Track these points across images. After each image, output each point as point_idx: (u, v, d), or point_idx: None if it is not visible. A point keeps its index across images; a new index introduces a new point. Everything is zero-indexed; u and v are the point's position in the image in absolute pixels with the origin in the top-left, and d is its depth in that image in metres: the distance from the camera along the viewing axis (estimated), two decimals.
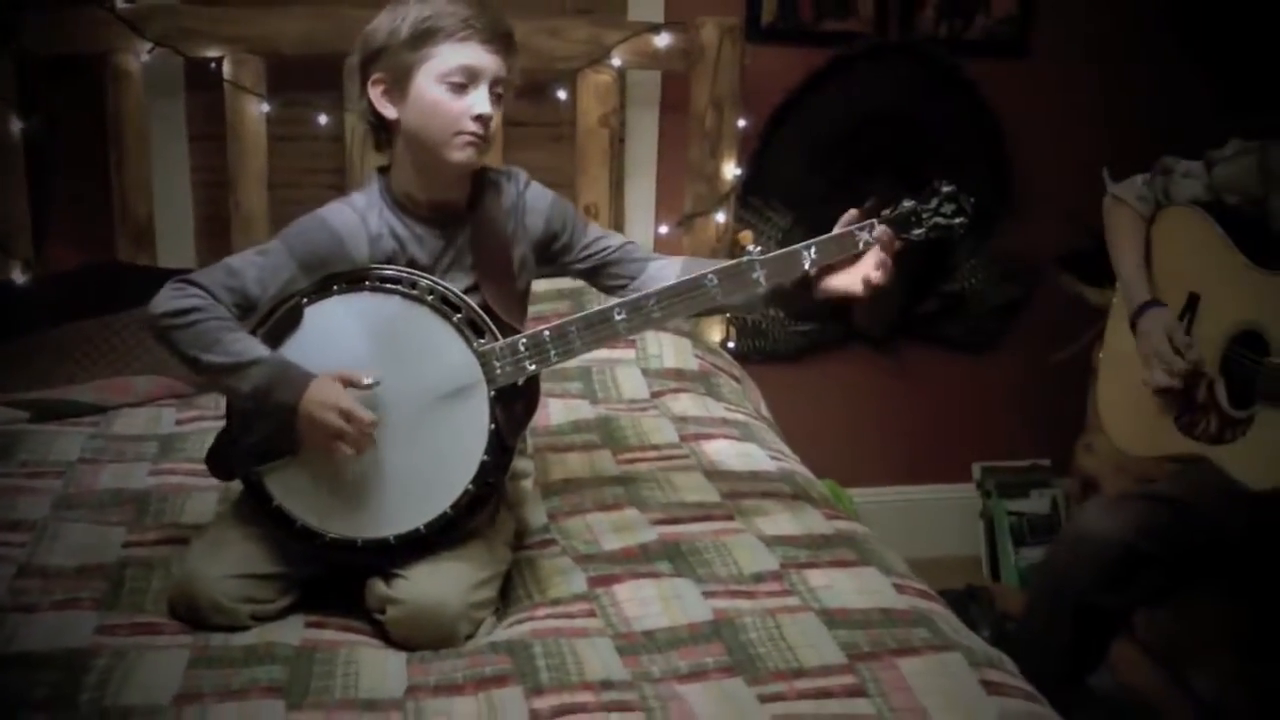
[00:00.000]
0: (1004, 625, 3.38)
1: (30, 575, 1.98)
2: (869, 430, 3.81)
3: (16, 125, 2.92)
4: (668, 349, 2.97)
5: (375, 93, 1.98)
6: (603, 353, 2.78)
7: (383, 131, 2.02)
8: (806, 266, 2.03)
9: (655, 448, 2.52)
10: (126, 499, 2.26)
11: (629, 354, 2.94)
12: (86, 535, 2.12)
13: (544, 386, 2.69)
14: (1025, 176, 3.67)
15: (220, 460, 2.00)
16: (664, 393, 2.81)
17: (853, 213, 2.07)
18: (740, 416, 2.74)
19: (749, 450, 2.52)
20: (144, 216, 3.06)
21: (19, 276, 2.97)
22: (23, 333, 2.85)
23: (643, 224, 3.41)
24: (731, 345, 3.39)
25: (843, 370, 3.73)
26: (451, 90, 1.93)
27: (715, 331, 3.35)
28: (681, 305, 2.01)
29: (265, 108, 3.04)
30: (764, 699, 1.69)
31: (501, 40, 1.95)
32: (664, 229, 3.38)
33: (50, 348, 2.81)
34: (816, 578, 2.00)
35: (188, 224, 3.19)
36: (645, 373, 2.89)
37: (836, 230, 2.06)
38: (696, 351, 3.01)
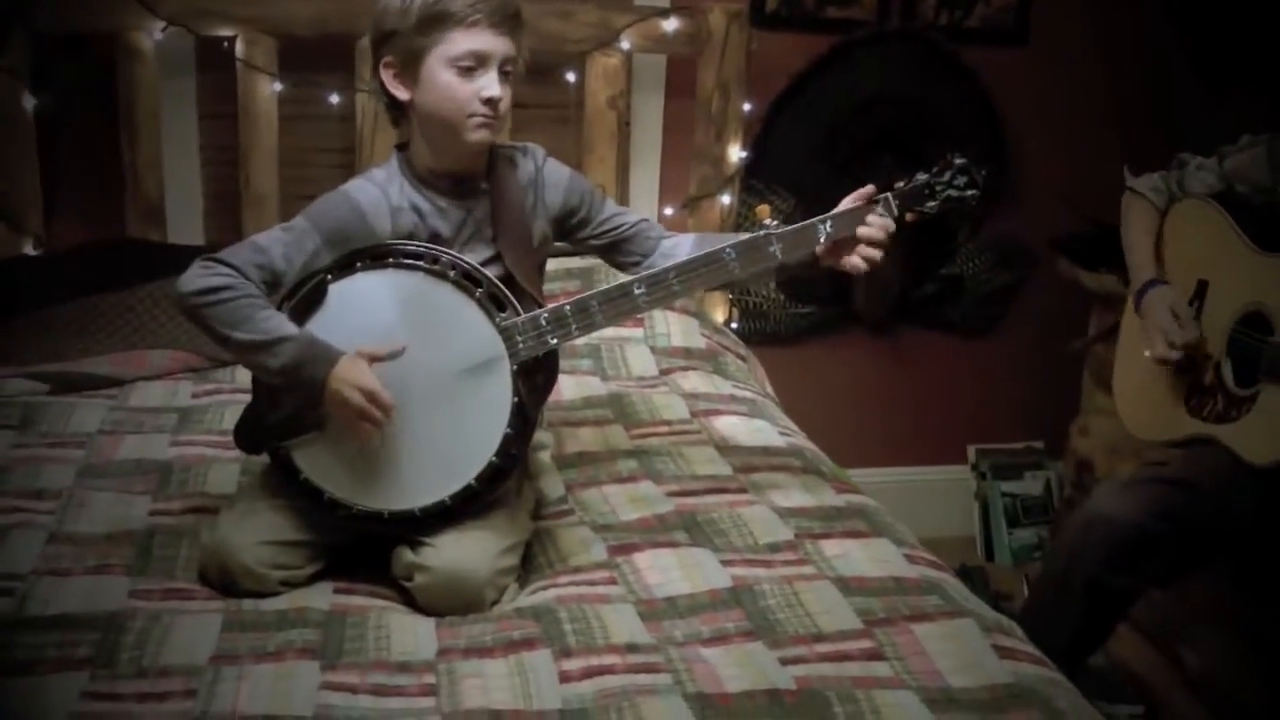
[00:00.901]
0: (998, 604, 3.43)
1: (61, 542, 2.01)
2: (866, 412, 3.86)
3: (29, 101, 2.93)
4: (675, 328, 3.02)
5: (387, 76, 2.02)
6: (611, 331, 2.85)
7: (397, 109, 2.07)
8: (822, 240, 2.08)
9: (667, 423, 2.57)
10: (149, 469, 2.30)
11: (637, 332, 2.98)
12: (113, 504, 2.15)
13: None
14: (1023, 162, 3.73)
15: (247, 435, 2.04)
16: (673, 370, 2.86)
17: (870, 188, 2.11)
18: (748, 394, 2.79)
19: (759, 426, 2.57)
20: (154, 193, 3.07)
21: (30, 251, 2.99)
22: (35, 308, 2.86)
23: (648, 206, 3.45)
24: (735, 326, 3.44)
25: (841, 352, 3.78)
26: (461, 74, 1.97)
27: (719, 312, 3.40)
28: (700, 279, 2.06)
29: (277, 87, 3.06)
30: (785, 661, 1.74)
31: (510, 22, 1.99)
32: (669, 211, 3.42)
33: (64, 322, 2.82)
34: (831, 548, 2.05)
35: (197, 201, 3.20)
36: (654, 350, 2.94)
37: (850, 204, 2.11)
38: (703, 330, 3.06)
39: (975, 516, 3.94)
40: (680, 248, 2.18)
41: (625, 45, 3.20)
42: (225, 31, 3.02)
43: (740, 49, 3.24)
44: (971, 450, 3.97)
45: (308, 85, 3.13)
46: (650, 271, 2.06)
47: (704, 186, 3.34)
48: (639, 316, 2.95)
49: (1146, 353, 2.58)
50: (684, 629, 1.83)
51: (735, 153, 3.32)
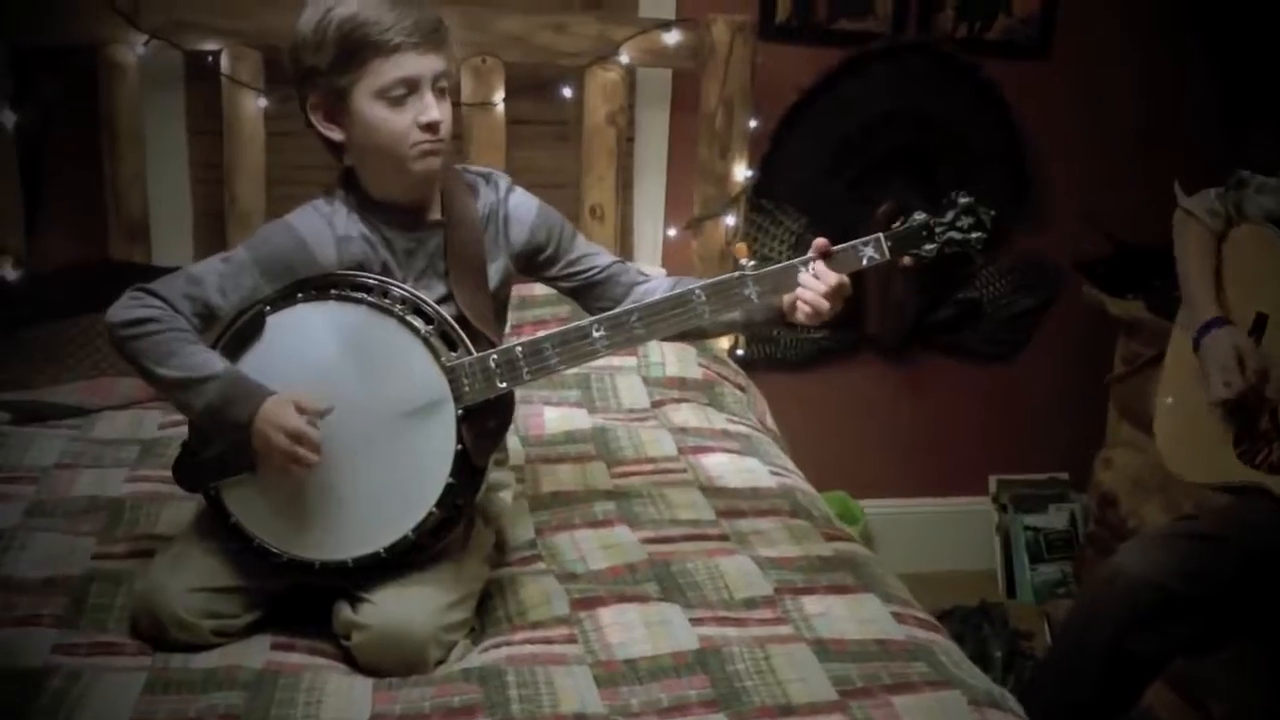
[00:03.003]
0: (1017, 643, 3.29)
1: None
2: (882, 440, 3.72)
3: (9, 117, 2.85)
4: (670, 357, 2.88)
5: (317, 118, 1.90)
6: (603, 360, 2.71)
7: (336, 147, 1.94)
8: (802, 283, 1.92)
9: (651, 460, 2.43)
10: (100, 506, 2.19)
11: (630, 361, 2.85)
12: (55, 545, 2.05)
13: (539, 394, 2.64)
14: (1045, 181, 3.58)
15: (184, 471, 1.93)
16: (665, 402, 2.73)
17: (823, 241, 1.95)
18: (743, 429, 2.65)
19: (749, 465, 2.43)
20: (138, 212, 2.99)
21: (10, 273, 2.89)
22: (9, 331, 2.77)
23: (651, 226, 3.33)
24: (740, 353, 3.30)
25: (855, 379, 3.64)
26: (393, 104, 1.84)
27: (723, 338, 3.25)
28: (666, 323, 1.90)
29: (263, 102, 2.96)
30: None
31: (432, 37, 1.85)
32: (673, 231, 3.30)
33: (34, 347, 2.74)
34: (811, 604, 1.91)
35: (185, 220, 3.12)
36: (646, 381, 2.81)
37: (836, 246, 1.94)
38: (701, 360, 2.92)
39: (996, 550, 3.79)
40: (654, 293, 2.02)
41: (625, 59, 3.07)
42: (209, 45, 2.94)
43: (745, 62, 3.11)
44: (993, 481, 3.82)
45: (295, 100, 3.01)
46: (613, 312, 1.91)
47: (708, 206, 3.20)
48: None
49: (1207, 398, 2.36)
50: (642, 697, 1.69)
51: (740, 171, 3.19)
